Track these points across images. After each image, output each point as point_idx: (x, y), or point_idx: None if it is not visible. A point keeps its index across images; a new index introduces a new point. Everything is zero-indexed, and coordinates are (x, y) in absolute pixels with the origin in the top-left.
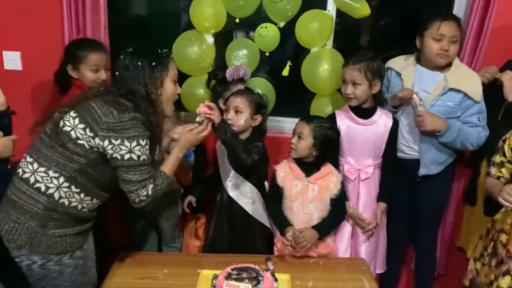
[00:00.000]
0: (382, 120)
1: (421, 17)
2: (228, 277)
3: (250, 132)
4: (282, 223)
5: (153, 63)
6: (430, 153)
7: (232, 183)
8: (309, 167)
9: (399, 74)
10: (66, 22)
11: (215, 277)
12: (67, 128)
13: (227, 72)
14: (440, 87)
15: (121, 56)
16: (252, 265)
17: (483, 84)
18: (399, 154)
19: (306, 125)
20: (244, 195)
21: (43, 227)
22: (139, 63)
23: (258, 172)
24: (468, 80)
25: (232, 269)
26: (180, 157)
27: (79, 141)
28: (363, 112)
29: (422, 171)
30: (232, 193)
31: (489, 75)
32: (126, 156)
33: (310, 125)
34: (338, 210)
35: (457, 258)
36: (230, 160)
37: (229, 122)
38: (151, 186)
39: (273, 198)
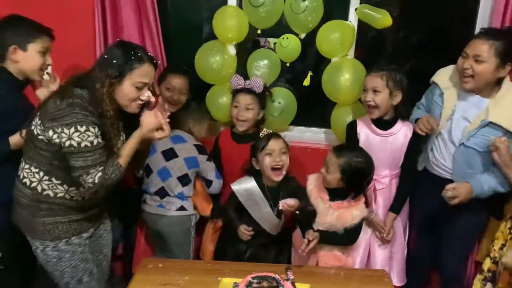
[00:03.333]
0: (402, 131)
1: None
2: (249, 285)
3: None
4: (305, 226)
5: (114, 61)
6: (464, 179)
7: None
8: (335, 193)
9: (442, 94)
10: (97, 35)
11: (236, 285)
12: (32, 127)
13: (231, 79)
14: (479, 119)
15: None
16: (272, 274)
17: None
18: (431, 170)
19: (334, 158)
20: None
21: (33, 216)
22: (106, 56)
23: None
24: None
25: (253, 278)
26: (136, 147)
27: (39, 137)
28: (383, 123)
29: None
30: None
31: None
32: (67, 143)
33: (339, 159)
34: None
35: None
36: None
37: (279, 164)
38: (98, 174)
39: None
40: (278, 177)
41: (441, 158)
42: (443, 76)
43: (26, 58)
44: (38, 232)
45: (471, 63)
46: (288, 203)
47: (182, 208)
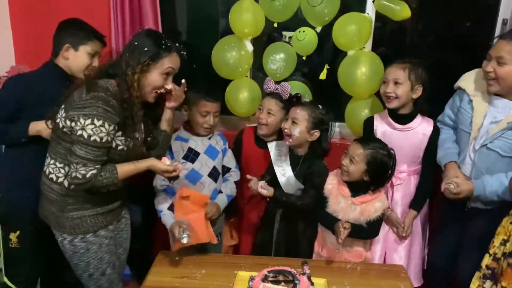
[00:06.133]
0: (421, 127)
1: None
2: (265, 279)
3: (307, 148)
4: (331, 222)
5: (145, 49)
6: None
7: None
8: (356, 187)
9: (470, 101)
10: (113, 34)
11: (252, 278)
12: (57, 120)
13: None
14: (506, 122)
15: (136, 33)
16: (288, 268)
17: None
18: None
19: (360, 149)
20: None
21: (61, 211)
22: (136, 43)
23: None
24: None
25: (269, 272)
26: (140, 171)
27: (64, 129)
28: (401, 118)
29: (472, 203)
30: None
31: None
32: (79, 132)
33: (366, 150)
34: (371, 227)
35: None
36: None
37: (285, 131)
38: (93, 171)
39: (320, 206)
40: (285, 142)
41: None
42: (470, 82)
43: (75, 57)
44: (67, 227)
45: (493, 65)
46: (263, 190)
47: None
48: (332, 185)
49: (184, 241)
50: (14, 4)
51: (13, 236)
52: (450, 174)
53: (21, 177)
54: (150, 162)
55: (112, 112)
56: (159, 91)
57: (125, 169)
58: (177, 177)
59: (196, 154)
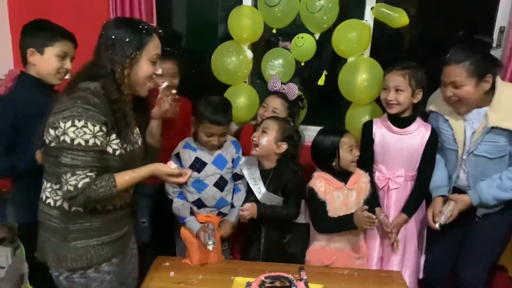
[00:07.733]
0: (419, 131)
1: None
2: (262, 285)
3: (275, 161)
4: (346, 220)
5: (127, 39)
6: None
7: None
8: (343, 174)
9: (446, 120)
10: None
11: (249, 284)
12: (45, 137)
13: (269, 80)
14: (481, 126)
15: (103, 25)
16: (285, 274)
17: None
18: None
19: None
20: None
21: (63, 240)
22: (113, 37)
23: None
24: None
25: (266, 277)
26: (142, 178)
27: (52, 144)
28: (400, 121)
29: (481, 211)
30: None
31: None
32: (61, 138)
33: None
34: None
35: (498, 277)
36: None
37: (253, 140)
38: (85, 180)
39: (323, 214)
40: (252, 151)
41: (465, 180)
42: (439, 103)
43: (43, 62)
44: (68, 259)
45: (451, 90)
46: (246, 213)
47: None
48: (323, 186)
49: (210, 247)
50: (14, 6)
51: (38, 254)
52: (436, 209)
53: (36, 199)
54: (153, 166)
55: (94, 110)
56: (151, 80)
57: (125, 178)
58: (185, 182)
59: (203, 164)
